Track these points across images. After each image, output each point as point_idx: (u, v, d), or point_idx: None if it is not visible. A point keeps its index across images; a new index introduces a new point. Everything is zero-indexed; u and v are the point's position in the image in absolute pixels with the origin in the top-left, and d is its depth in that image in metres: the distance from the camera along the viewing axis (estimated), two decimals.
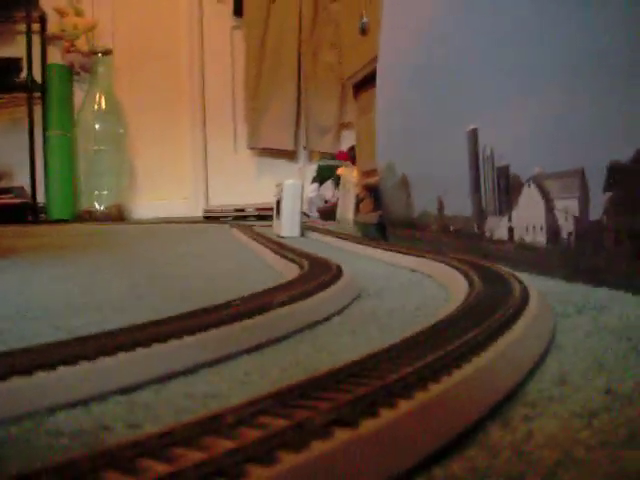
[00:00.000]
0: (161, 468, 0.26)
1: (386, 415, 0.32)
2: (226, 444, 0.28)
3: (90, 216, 4.21)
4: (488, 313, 0.55)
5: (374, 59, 1.83)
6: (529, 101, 0.96)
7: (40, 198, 4.18)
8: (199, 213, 4.26)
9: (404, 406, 0.33)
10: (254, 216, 3.80)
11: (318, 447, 0.29)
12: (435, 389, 0.36)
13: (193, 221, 3.78)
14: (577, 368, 0.48)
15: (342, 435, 0.30)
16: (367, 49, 1.98)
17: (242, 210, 3.91)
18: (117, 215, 4.23)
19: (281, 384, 0.37)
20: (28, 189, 4.13)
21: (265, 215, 3.66)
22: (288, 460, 0.27)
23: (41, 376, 0.43)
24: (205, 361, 0.53)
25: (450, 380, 0.38)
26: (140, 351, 0.49)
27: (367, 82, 2.10)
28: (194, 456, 0.27)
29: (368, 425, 0.31)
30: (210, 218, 3.93)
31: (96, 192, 4.26)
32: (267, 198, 3.55)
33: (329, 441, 0.29)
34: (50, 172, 4.19)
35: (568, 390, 0.43)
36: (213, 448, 0.28)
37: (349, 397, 0.33)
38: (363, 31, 2.03)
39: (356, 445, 0.30)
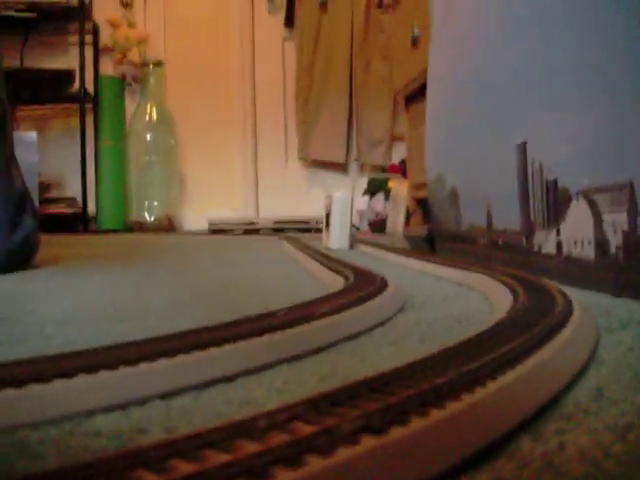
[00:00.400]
0: (189, 468, 0.26)
1: (415, 423, 0.32)
2: (255, 447, 0.29)
3: (140, 226, 4.26)
4: (529, 326, 0.55)
5: (425, 71, 1.83)
6: (578, 114, 0.95)
7: (91, 208, 4.24)
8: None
9: (435, 415, 0.34)
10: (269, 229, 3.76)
11: (345, 452, 0.29)
12: (467, 399, 0.36)
13: (242, 233, 3.81)
14: (616, 383, 0.48)
15: (369, 442, 0.30)
16: (418, 61, 1.98)
17: (252, 224, 3.90)
18: (167, 226, 4.27)
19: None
20: (79, 199, 4.20)
21: (281, 229, 3.64)
22: (314, 464, 0.28)
23: (82, 380, 0.44)
24: (245, 369, 0.54)
25: (483, 391, 0.38)
26: (180, 358, 0.50)
27: (418, 94, 2.11)
28: (223, 457, 0.28)
29: (396, 433, 0.31)
30: (216, 232, 3.92)
31: (146, 202, 4.31)
32: (307, 211, 3.57)
33: (356, 447, 0.29)
34: (101, 182, 4.25)
35: (605, 404, 0.43)
36: (242, 450, 0.28)
37: (379, 405, 0.34)
38: (414, 43, 2.04)
39: (383, 452, 0.30)
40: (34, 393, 0.41)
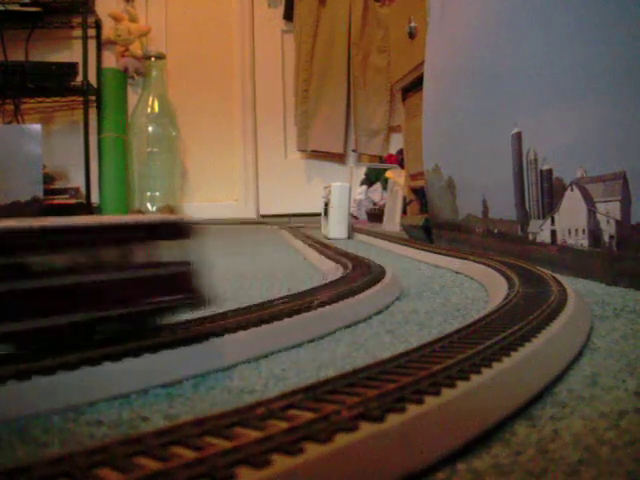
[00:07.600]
0: (190, 455, 0.27)
1: (412, 411, 0.33)
2: (254, 434, 0.29)
3: None
4: (524, 314, 0.56)
5: (422, 63, 1.83)
6: (573, 105, 0.95)
7: (94, 199, 4.24)
8: (250, 215, 4.34)
9: (431, 402, 0.34)
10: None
11: (343, 439, 0.29)
12: (463, 387, 0.37)
13: (243, 223, 3.81)
14: (609, 370, 0.48)
15: (367, 429, 0.31)
16: (415, 53, 1.98)
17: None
18: None
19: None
20: (83, 190, 4.20)
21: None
22: (313, 451, 0.28)
23: (86, 371, 0.44)
24: (245, 358, 0.54)
25: (478, 378, 0.38)
26: (182, 349, 0.50)
27: (415, 86, 2.10)
28: (223, 445, 0.28)
29: (393, 420, 0.32)
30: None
31: (148, 193, 4.30)
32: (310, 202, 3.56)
33: (354, 434, 0.30)
34: (104, 173, 4.25)
35: (598, 391, 0.43)
36: (242, 438, 0.29)
37: (376, 392, 0.34)
38: (411, 36, 2.04)
39: (380, 439, 0.30)
40: (38, 385, 0.42)
